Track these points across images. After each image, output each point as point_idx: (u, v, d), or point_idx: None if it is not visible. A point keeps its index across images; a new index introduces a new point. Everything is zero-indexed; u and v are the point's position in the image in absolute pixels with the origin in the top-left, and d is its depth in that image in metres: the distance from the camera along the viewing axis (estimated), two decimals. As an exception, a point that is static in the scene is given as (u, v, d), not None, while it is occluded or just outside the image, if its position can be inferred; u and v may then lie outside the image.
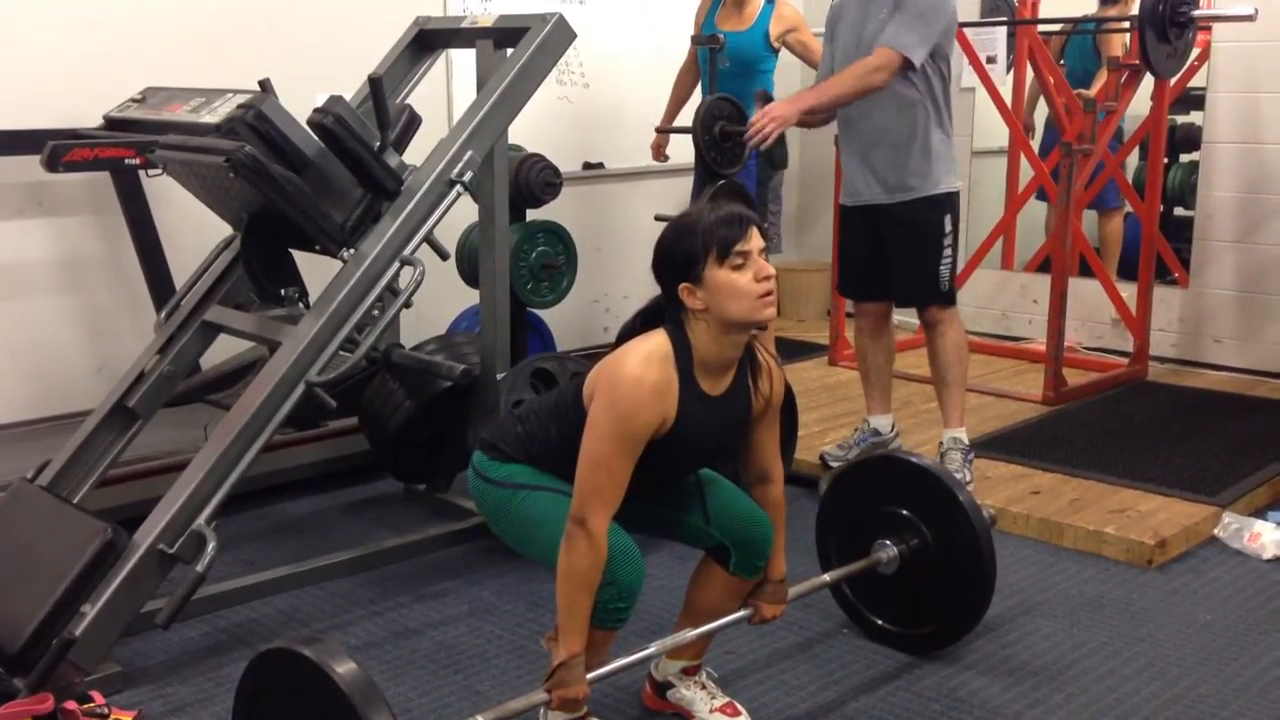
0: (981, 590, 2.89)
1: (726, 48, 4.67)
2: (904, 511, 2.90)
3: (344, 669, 1.94)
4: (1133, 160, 6.06)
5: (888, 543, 2.90)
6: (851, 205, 4.01)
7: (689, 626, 2.61)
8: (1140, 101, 5.20)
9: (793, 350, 5.67)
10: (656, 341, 2.30)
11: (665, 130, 5.04)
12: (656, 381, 2.25)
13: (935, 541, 2.87)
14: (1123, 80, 4.99)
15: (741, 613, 2.59)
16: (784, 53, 5.01)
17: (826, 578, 2.91)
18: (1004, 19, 5.65)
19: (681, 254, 2.28)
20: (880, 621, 3.03)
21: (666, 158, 5.16)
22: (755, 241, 2.27)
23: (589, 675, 2.28)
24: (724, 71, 4.71)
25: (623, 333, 2.41)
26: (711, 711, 2.66)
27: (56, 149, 3.67)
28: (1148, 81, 5.04)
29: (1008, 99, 5.77)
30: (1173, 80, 5.16)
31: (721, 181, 4.70)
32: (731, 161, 4.56)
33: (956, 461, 3.88)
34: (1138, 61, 4.85)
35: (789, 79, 5.63)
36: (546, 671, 2.29)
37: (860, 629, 3.08)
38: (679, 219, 2.35)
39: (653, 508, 2.51)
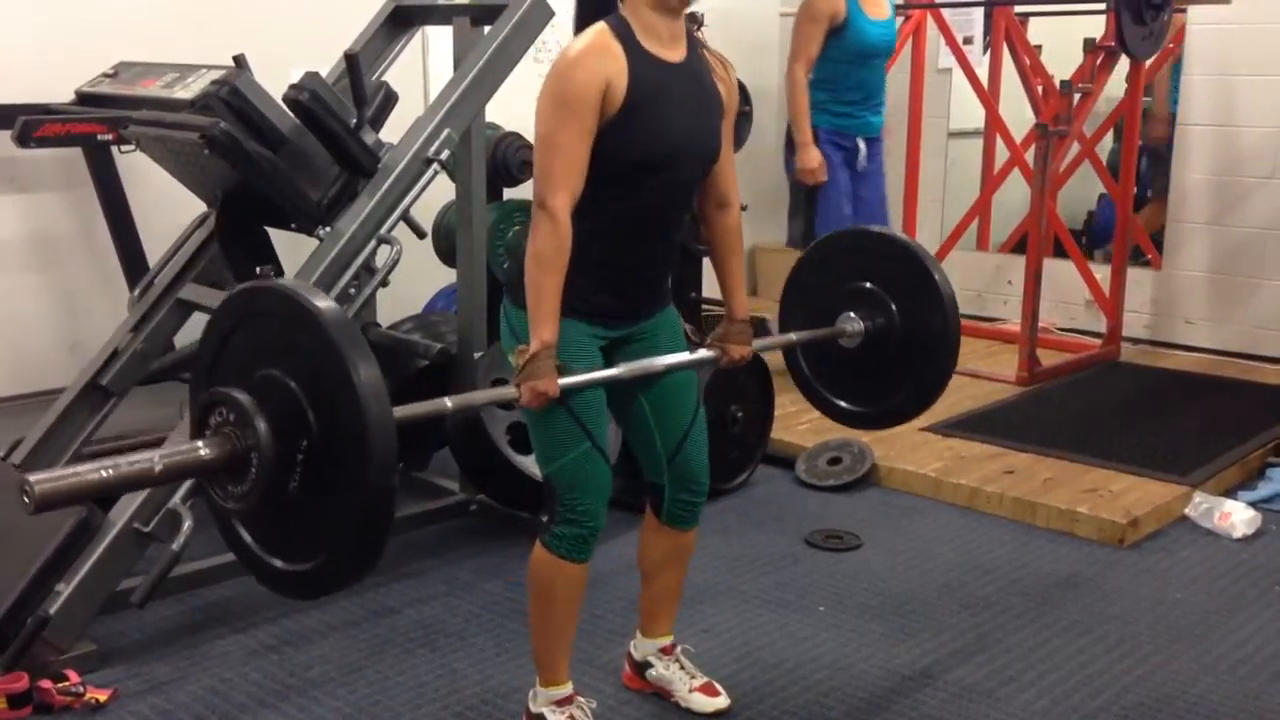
0: (945, 361, 2.78)
1: (886, 40, 4.56)
2: (870, 285, 2.78)
3: (325, 304, 1.81)
4: (1106, 142, 6.08)
5: (853, 315, 2.79)
6: None
7: (654, 593, 2.65)
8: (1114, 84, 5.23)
9: (768, 329, 5.67)
10: (593, 27, 2.26)
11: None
12: (592, 43, 2.21)
13: (901, 315, 2.76)
14: (1099, 62, 5.01)
15: (709, 353, 2.54)
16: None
17: (792, 336, 2.82)
18: (981, 0, 5.65)
19: None
20: (840, 401, 2.90)
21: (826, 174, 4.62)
22: None
23: (562, 382, 2.22)
24: (880, 65, 4.60)
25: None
26: (691, 691, 2.67)
27: (28, 124, 3.63)
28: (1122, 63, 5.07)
29: (984, 80, 5.79)
30: (1148, 62, 5.18)
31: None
32: None
33: None
34: (1113, 43, 4.87)
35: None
36: (517, 367, 2.24)
37: (818, 409, 2.96)
38: None
39: (645, 412, 2.48)
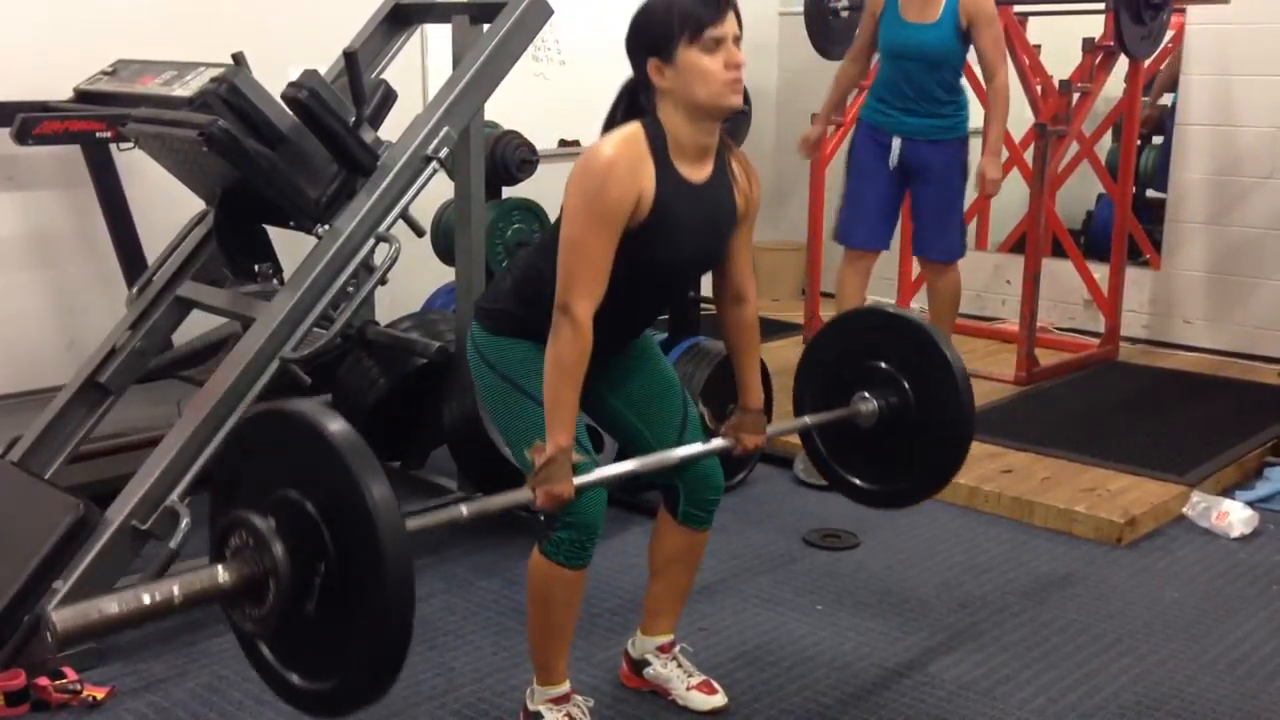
0: (959, 444, 2.80)
1: (914, 45, 4.48)
2: (885, 365, 2.81)
3: (337, 427, 1.82)
4: (1105, 142, 6.08)
5: (868, 395, 2.81)
6: None
7: (661, 591, 2.64)
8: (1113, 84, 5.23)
9: (767, 330, 5.61)
10: (629, 128, 2.26)
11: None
12: (628, 156, 2.21)
13: (916, 396, 2.77)
14: (1097, 62, 5.01)
15: (723, 443, 2.56)
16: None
17: (807, 419, 2.85)
18: None
19: (655, 29, 2.23)
20: (854, 479, 2.93)
21: (818, 155, 4.84)
22: (731, 27, 2.22)
23: (576, 481, 2.23)
24: (910, 69, 4.50)
25: (603, 130, 2.35)
26: (689, 689, 2.67)
27: (26, 122, 3.63)
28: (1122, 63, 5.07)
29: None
30: (1147, 62, 5.18)
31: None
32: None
33: None
34: (1112, 43, 4.87)
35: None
36: (532, 465, 2.24)
37: (832, 486, 2.99)
38: None
39: (637, 423, 2.50)
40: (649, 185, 2.22)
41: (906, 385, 2.78)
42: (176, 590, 1.76)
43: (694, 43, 2.19)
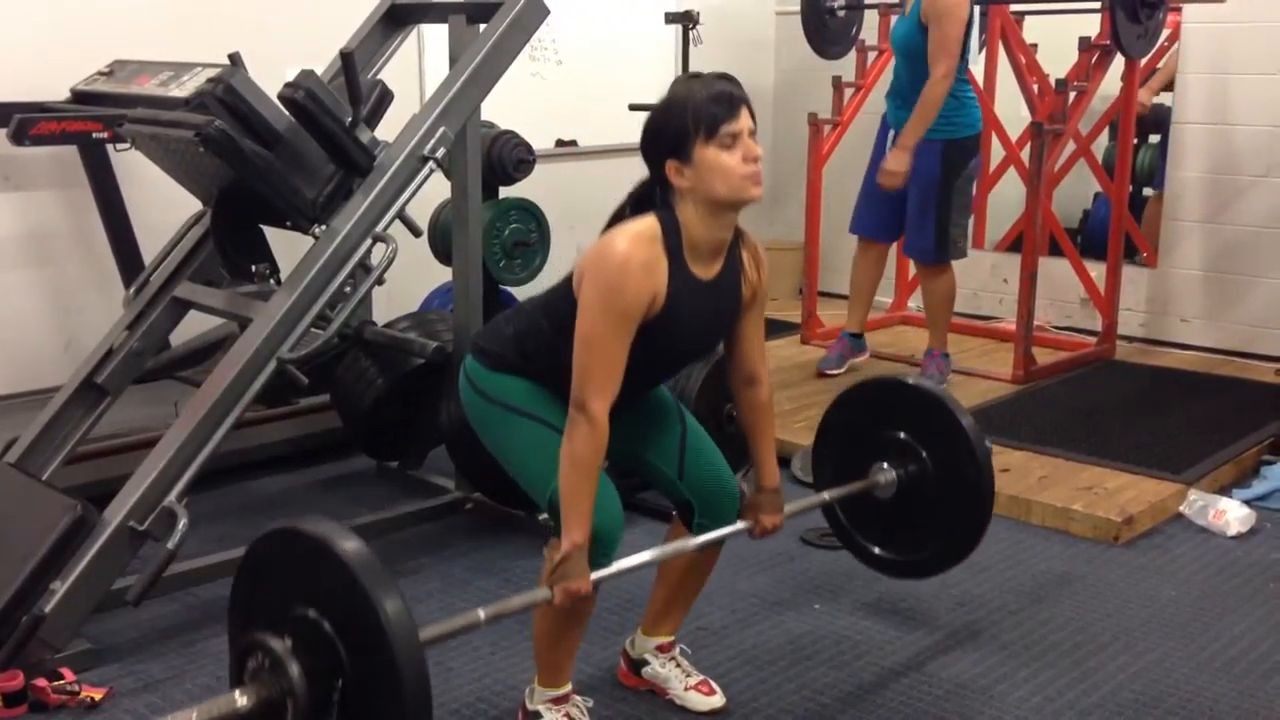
0: (979, 517, 2.83)
1: (895, 38, 4.58)
2: (904, 435, 2.84)
3: (351, 546, 1.86)
4: (1102, 141, 6.08)
5: (886, 466, 2.84)
6: None
7: (665, 596, 2.64)
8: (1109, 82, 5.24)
9: (765, 329, 5.67)
10: (645, 223, 2.27)
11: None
12: (645, 258, 2.22)
13: (935, 467, 2.81)
14: (1094, 60, 5.01)
15: (741, 525, 2.56)
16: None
17: (825, 496, 2.86)
18: (977, -1, 5.66)
19: (670, 131, 2.25)
20: (874, 548, 2.96)
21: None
22: (745, 122, 2.24)
23: (593, 576, 2.25)
24: (897, 62, 4.61)
25: (612, 219, 2.37)
26: (686, 689, 2.67)
27: (23, 123, 3.63)
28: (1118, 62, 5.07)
29: (980, 78, 5.78)
30: (1143, 61, 5.19)
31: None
32: None
33: None
34: (1108, 42, 4.88)
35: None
36: (548, 567, 2.26)
37: (854, 555, 3.03)
38: (668, 96, 2.30)
39: (635, 447, 2.50)
40: (662, 284, 2.25)
41: (924, 454, 2.83)
42: (195, 718, 1.81)
43: (710, 140, 2.22)
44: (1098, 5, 4.90)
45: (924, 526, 2.86)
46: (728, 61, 5.23)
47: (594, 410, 2.20)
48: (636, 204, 2.35)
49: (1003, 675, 2.82)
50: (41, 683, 2.63)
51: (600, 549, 2.30)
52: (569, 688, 2.52)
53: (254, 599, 2.01)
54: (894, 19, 4.74)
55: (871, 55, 5.55)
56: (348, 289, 3.16)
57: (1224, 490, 3.95)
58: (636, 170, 2.36)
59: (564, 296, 2.33)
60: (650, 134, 2.30)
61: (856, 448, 2.91)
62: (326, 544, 1.85)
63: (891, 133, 4.61)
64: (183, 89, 3.53)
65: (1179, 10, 5.28)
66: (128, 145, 3.41)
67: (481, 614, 2.13)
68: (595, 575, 2.26)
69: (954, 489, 2.81)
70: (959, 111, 4.49)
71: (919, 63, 4.42)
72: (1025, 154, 5.06)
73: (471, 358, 2.47)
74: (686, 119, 2.23)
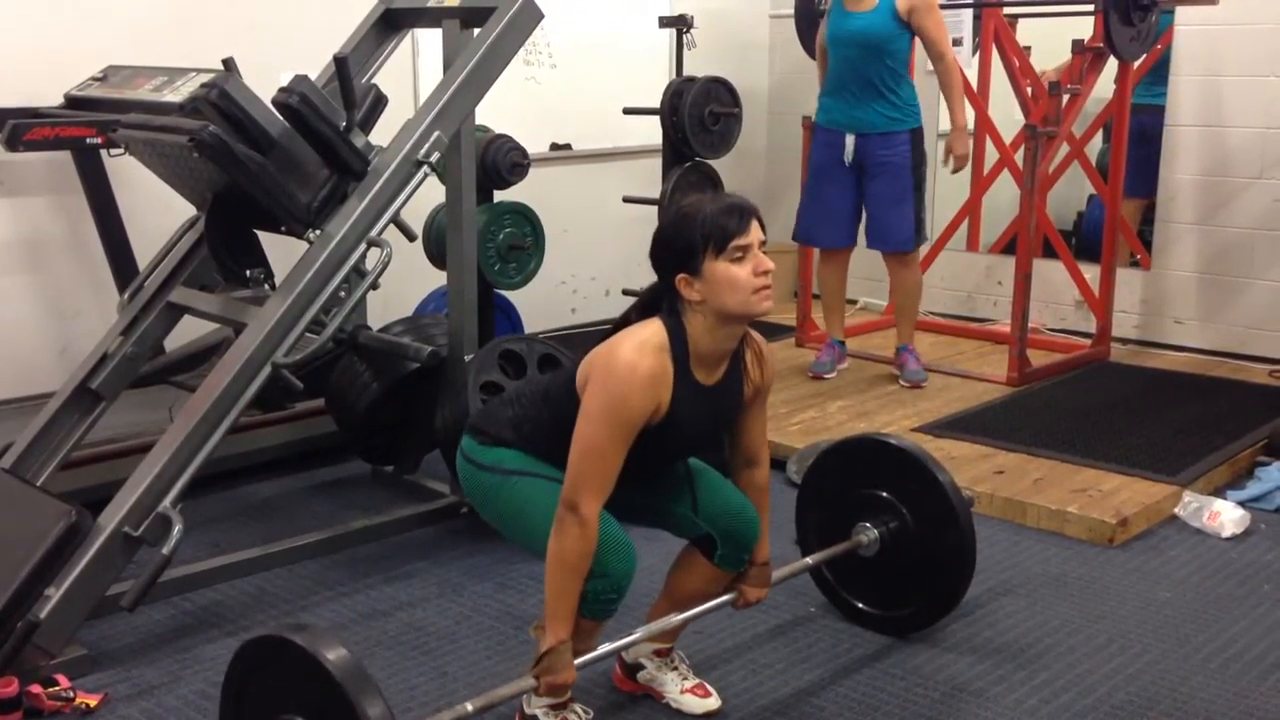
0: (961, 571, 2.89)
1: (851, 32, 4.59)
2: (884, 494, 2.91)
3: (335, 655, 1.93)
4: (1095, 144, 6.09)
5: (868, 525, 2.90)
6: None
7: (668, 610, 2.62)
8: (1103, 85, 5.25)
9: (759, 331, 5.67)
10: (652, 330, 2.28)
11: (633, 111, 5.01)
12: (651, 369, 2.23)
13: (916, 524, 2.87)
14: (1087, 63, 5.02)
15: (725, 597, 2.59)
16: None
17: (809, 560, 2.91)
18: (970, 2, 5.67)
19: (680, 245, 2.26)
20: (860, 604, 3.03)
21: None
22: (755, 235, 2.26)
23: (576, 661, 2.29)
24: (850, 56, 4.60)
25: (619, 322, 2.39)
26: (682, 693, 2.67)
27: (17, 128, 3.63)
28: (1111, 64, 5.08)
29: (974, 81, 5.80)
30: (1136, 63, 5.20)
31: (688, 164, 4.72)
32: (717, 146, 4.62)
33: None
34: (1102, 44, 4.89)
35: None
36: (534, 657, 2.29)
37: (840, 611, 3.08)
38: (679, 208, 2.32)
39: (641, 497, 2.49)
40: (667, 395, 2.27)
41: (905, 512, 2.89)
42: None
43: (721, 254, 2.23)
44: (1091, 8, 4.91)
45: (908, 583, 2.93)
46: (722, 64, 5.28)
47: (585, 513, 2.21)
48: (643, 310, 2.37)
49: (999, 678, 2.82)
50: (36, 689, 2.63)
51: (612, 586, 2.32)
52: (568, 693, 2.52)
53: (244, 699, 2.11)
54: (827, 17, 4.72)
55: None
56: (342, 293, 3.16)
57: (1218, 492, 3.95)
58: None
59: (568, 394, 2.34)
60: (661, 245, 2.32)
61: (839, 507, 2.98)
62: (312, 655, 1.93)
63: (852, 138, 4.62)
64: (177, 94, 3.53)
65: (1171, 13, 5.29)
66: (122, 150, 3.41)
67: (469, 707, 2.15)
68: (578, 661, 2.29)
69: (936, 545, 2.87)
70: (914, 100, 4.67)
71: (885, 55, 4.55)
72: (1019, 156, 5.06)
73: (468, 437, 2.50)
74: (696, 233, 2.24)
